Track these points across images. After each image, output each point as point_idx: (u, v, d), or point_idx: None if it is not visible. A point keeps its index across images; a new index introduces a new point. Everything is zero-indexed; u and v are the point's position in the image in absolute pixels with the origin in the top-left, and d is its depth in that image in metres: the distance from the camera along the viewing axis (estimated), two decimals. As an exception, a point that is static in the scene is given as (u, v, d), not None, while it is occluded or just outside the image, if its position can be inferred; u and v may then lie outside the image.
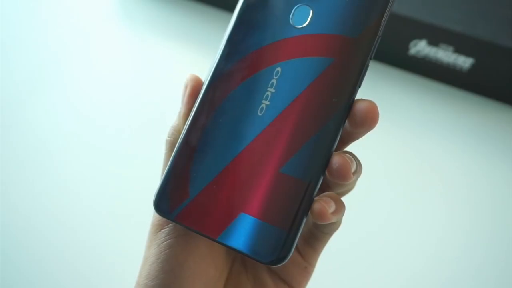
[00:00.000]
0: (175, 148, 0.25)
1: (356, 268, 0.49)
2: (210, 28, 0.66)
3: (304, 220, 0.23)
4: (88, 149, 0.57)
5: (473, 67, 0.56)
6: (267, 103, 0.24)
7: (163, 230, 0.26)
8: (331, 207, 0.23)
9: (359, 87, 0.24)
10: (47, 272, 0.50)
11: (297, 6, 0.25)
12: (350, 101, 0.24)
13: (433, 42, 0.56)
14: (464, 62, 0.56)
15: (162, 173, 0.26)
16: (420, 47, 0.57)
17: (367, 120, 0.23)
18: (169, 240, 0.25)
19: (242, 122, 0.25)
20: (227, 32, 0.27)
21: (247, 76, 0.25)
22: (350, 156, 0.24)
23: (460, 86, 0.59)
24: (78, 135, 0.58)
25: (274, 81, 0.25)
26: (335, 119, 0.23)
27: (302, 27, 0.25)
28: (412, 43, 0.57)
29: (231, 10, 0.72)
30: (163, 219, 0.26)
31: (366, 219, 0.51)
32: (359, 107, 0.23)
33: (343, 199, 0.26)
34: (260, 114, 0.24)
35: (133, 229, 0.51)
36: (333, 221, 0.23)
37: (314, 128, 0.23)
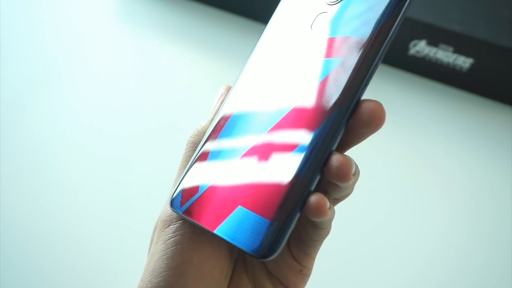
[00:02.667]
0: (197, 150, 0.27)
1: (355, 268, 0.49)
2: (211, 28, 0.66)
3: (297, 215, 0.23)
4: (87, 151, 0.57)
5: (473, 67, 0.56)
6: (280, 102, 0.26)
7: (171, 226, 0.26)
8: (327, 203, 0.23)
9: (365, 87, 0.24)
10: (47, 273, 0.50)
11: (318, 14, 0.27)
12: (354, 100, 0.24)
13: (433, 42, 0.56)
14: (463, 62, 0.56)
15: (178, 171, 0.28)
16: (420, 47, 0.57)
17: (373, 120, 0.23)
18: (176, 237, 0.25)
19: (252, 122, 0.26)
20: (258, 43, 0.28)
21: (266, 80, 0.27)
22: (350, 157, 0.24)
23: (459, 86, 0.59)
24: (76, 137, 0.58)
25: (288, 82, 0.26)
26: (336, 115, 0.24)
27: (319, 32, 0.26)
28: (412, 43, 0.57)
29: (231, 10, 0.72)
30: (172, 216, 0.26)
31: (365, 219, 0.51)
32: (365, 107, 0.23)
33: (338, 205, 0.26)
34: (270, 115, 0.26)
35: (131, 232, 0.51)
36: (327, 218, 0.23)
37: (315, 125, 0.24)
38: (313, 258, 0.27)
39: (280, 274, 0.27)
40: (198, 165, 0.27)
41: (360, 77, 0.24)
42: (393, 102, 0.58)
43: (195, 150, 0.27)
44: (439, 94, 0.59)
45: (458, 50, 0.55)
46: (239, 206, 0.24)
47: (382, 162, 0.54)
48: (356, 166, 0.24)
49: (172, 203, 0.26)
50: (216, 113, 0.28)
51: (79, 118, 0.60)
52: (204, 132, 0.28)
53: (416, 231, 0.51)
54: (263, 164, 0.25)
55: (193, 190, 0.26)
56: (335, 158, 0.23)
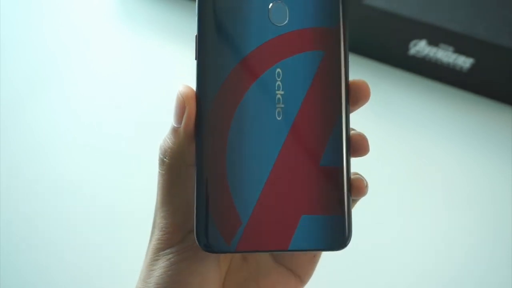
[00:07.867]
0: (197, 179, 0.24)
1: (355, 268, 0.49)
2: (210, 28, 0.65)
3: (351, 200, 0.25)
4: (87, 151, 0.57)
5: (473, 67, 0.56)
6: (282, 105, 0.25)
7: (167, 250, 0.25)
8: (365, 181, 0.26)
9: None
10: (47, 273, 0.50)
11: (270, 4, 0.25)
12: (347, 85, 0.26)
13: (433, 42, 0.56)
14: (464, 62, 0.56)
15: (159, 194, 0.26)
16: (420, 47, 0.57)
17: (361, 97, 0.26)
18: (182, 254, 0.25)
19: (265, 131, 0.24)
20: (201, 39, 0.27)
21: (249, 85, 0.25)
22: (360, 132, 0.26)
23: (460, 86, 0.59)
24: (76, 137, 0.58)
25: (279, 83, 0.25)
26: (345, 103, 0.25)
27: (284, 24, 0.25)
28: (412, 43, 0.57)
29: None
30: (165, 240, 0.25)
31: (365, 219, 0.51)
32: (353, 87, 0.26)
33: None
34: (279, 119, 0.25)
35: (132, 232, 0.51)
36: (365, 194, 0.26)
37: (334, 117, 0.25)
38: None
39: (292, 263, 0.28)
40: (218, 196, 0.24)
41: (346, 65, 0.26)
42: (393, 102, 0.58)
43: (175, 174, 0.25)
44: (439, 94, 0.59)
45: (458, 50, 0.55)
46: (302, 216, 0.24)
47: (382, 162, 0.54)
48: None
49: (211, 247, 0.24)
50: (190, 127, 0.25)
51: (79, 118, 0.60)
52: (181, 153, 0.25)
53: (415, 231, 0.51)
54: (301, 167, 0.25)
55: (233, 222, 0.24)
56: (354, 137, 0.26)
